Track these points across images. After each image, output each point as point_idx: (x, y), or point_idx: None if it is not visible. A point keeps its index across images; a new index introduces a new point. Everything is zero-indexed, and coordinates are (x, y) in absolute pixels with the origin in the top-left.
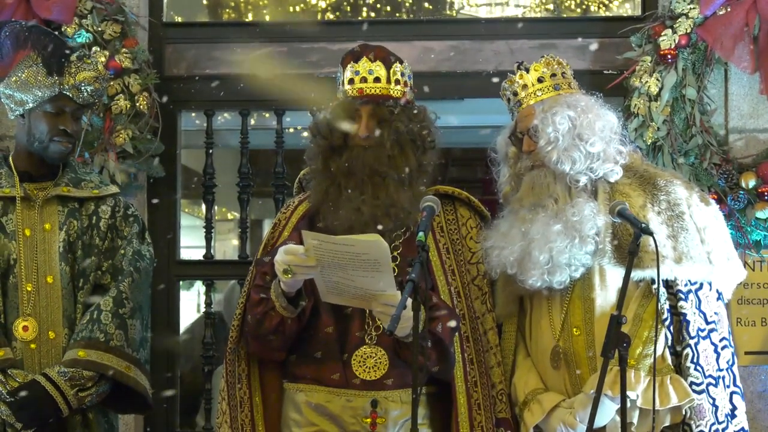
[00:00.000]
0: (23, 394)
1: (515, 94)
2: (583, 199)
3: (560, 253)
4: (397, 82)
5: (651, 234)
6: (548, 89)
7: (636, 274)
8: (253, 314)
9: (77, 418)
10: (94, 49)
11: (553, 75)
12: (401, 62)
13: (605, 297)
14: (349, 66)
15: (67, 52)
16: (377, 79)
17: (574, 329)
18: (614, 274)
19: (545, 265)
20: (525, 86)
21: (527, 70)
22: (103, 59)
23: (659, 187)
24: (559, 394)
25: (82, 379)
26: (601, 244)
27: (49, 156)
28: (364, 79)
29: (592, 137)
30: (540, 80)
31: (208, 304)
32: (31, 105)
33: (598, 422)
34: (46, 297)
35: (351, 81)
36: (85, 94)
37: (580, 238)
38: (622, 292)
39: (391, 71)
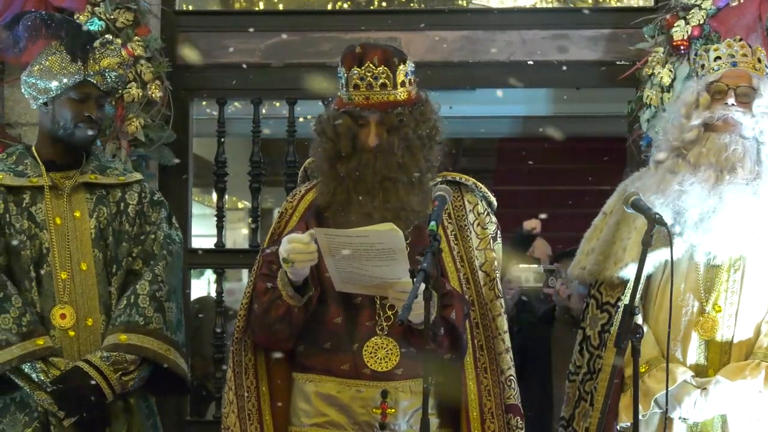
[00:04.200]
0: (66, 381)
1: (731, 56)
2: None
3: (743, 226)
4: (403, 84)
5: (665, 225)
6: (763, 72)
7: None
8: (259, 303)
9: (119, 403)
10: (106, 37)
11: (766, 65)
12: (404, 60)
13: (757, 286)
14: (353, 70)
15: (90, 38)
16: (383, 86)
17: (716, 306)
18: None
19: (724, 232)
20: (745, 55)
21: (750, 47)
22: None
23: None
24: (684, 367)
25: (125, 362)
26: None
27: (75, 142)
28: (370, 86)
29: None
30: (759, 60)
31: (219, 292)
32: (55, 92)
33: (724, 408)
34: (81, 284)
35: (356, 86)
36: (110, 80)
37: (758, 217)
38: (636, 283)
39: (397, 74)
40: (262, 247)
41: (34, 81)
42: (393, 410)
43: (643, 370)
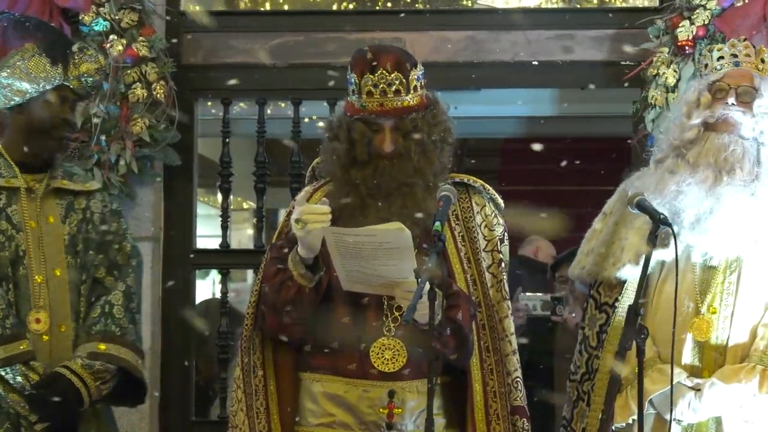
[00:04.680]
0: (48, 387)
1: (734, 55)
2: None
3: (740, 228)
4: (415, 88)
5: (670, 226)
6: (766, 72)
7: None
8: (270, 284)
9: (89, 409)
10: (111, 37)
11: None
12: (415, 65)
13: (753, 288)
14: (365, 77)
15: (68, 43)
16: (397, 92)
17: (711, 308)
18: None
19: (721, 234)
20: (748, 55)
21: (754, 47)
22: (120, 47)
23: None
24: (679, 368)
25: (106, 372)
26: (766, 235)
27: (49, 146)
28: (384, 93)
29: None
30: (762, 61)
31: (224, 293)
32: (32, 94)
33: (719, 411)
34: (55, 290)
35: (370, 93)
36: (86, 85)
37: (756, 219)
38: (641, 283)
39: (410, 80)
40: (270, 244)
41: (9, 82)
42: (400, 410)
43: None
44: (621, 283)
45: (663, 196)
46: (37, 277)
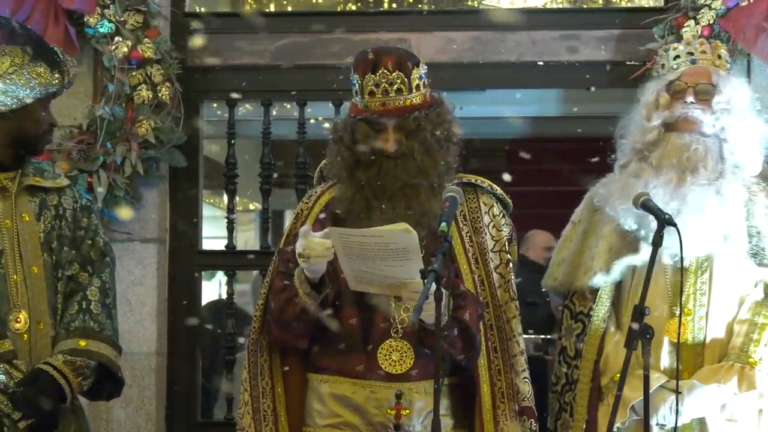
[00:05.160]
0: (32, 384)
1: (690, 53)
2: (733, 178)
3: (708, 227)
4: (418, 87)
5: (675, 225)
6: (723, 67)
7: (758, 274)
8: (276, 301)
9: (68, 405)
10: (116, 39)
11: (727, 61)
12: (417, 64)
13: (726, 286)
14: (367, 77)
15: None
16: (399, 91)
17: (686, 310)
18: (740, 266)
19: (689, 234)
20: (704, 52)
21: (710, 43)
22: (125, 49)
23: None
24: (658, 372)
25: (87, 368)
26: (735, 231)
27: (37, 148)
28: (385, 92)
29: (755, 124)
30: (719, 56)
31: (230, 294)
32: (30, 100)
33: (701, 412)
34: (32, 288)
35: (372, 93)
36: (66, 89)
37: (723, 216)
38: (646, 283)
39: (411, 78)
40: (277, 248)
41: (5, 87)
42: (407, 411)
43: (617, 377)
44: (594, 292)
45: (628, 201)
46: (14, 275)
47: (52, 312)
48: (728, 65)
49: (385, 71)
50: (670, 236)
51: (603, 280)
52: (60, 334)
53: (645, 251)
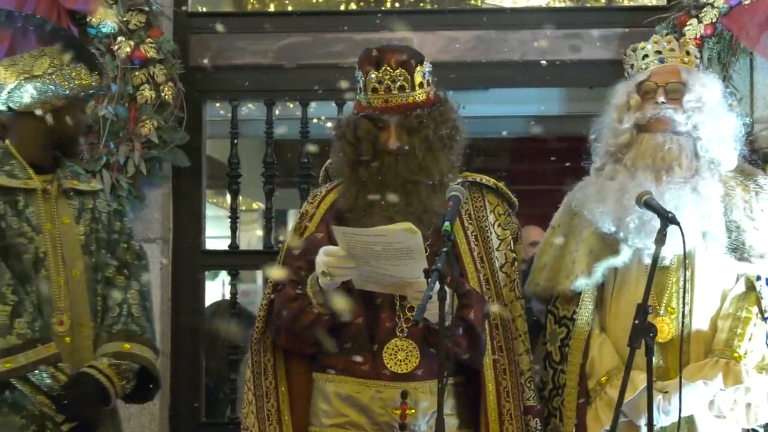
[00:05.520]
0: (77, 387)
1: (659, 52)
2: (709, 175)
3: (687, 225)
4: (421, 85)
5: (677, 224)
6: (692, 64)
7: (739, 269)
8: (289, 310)
9: (107, 409)
10: (119, 39)
11: (696, 56)
12: (421, 62)
13: (707, 282)
14: (370, 73)
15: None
16: (402, 88)
17: (669, 309)
18: (720, 262)
19: (668, 233)
20: (672, 50)
21: (677, 39)
22: (127, 49)
23: (761, 184)
24: (643, 373)
25: (130, 371)
26: (713, 228)
27: (74, 150)
28: (388, 89)
29: (727, 119)
30: (687, 53)
31: (234, 294)
32: (68, 99)
33: (689, 410)
34: (74, 291)
35: (374, 90)
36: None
37: (701, 214)
38: (649, 282)
39: (415, 76)
40: (285, 245)
41: (45, 87)
42: (413, 411)
43: (603, 380)
44: (577, 295)
45: (606, 204)
46: (57, 278)
47: (92, 314)
48: (697, 60)
49: (389, 68)
50: (647, 238)
51: (585, 283)
52: (102, 336)
53: (625, 253)
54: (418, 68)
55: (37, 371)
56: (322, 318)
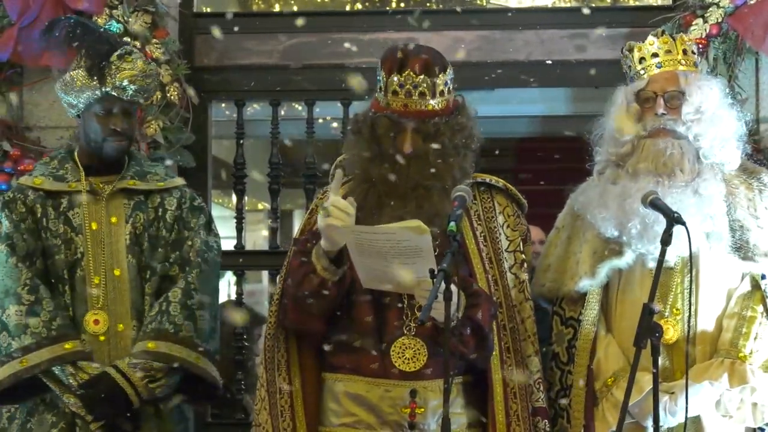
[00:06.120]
0: (94, 386)
1: (654, 55)
2: (711, 175)
3: (689, 227)
4: (442, 93)
5: (683, 224)
6: (691, 63)
7: (744, 267)
8: (294, 277)
9: (150, 409)
10: (124, 39)
11: (694, 53)
12: (445, 69)
13: (712, 283)
14: (392, 76)
15: (110, 50)
16: (422, 95)
17: (674, 309)
18: (725, 262)
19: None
20: (669, 51)
21: (673, 39)
22: None
23: (765, 182)
24: (649, 374)
25: (152, 370)
26: (717, 228)
27: (106, 155)
28: (408, 93)
29: (728, 121)
30: (684, 52)
31: (239, 294)
32: (81, 107)
33: (696, 410)
34: (114, 290)
35: (395, 93)
36: (131, 92)
37: (703, 215)
38: (654, 282)
39: (437, 84)
40: (293, 239)
41: (62, 95)
42: (422, 410)
43: (609, 381)
44: (582, 296)
45: (608, 208)
46: (95, 278)
47: (136, 314)
48: (695, 58)
49: (411, 73)
50: (650, 243)
51: (589, 284)
52: (139, 336)
53: (628, 255)
54: (441, 76)
55: (56, 369)
56: (326, 284)
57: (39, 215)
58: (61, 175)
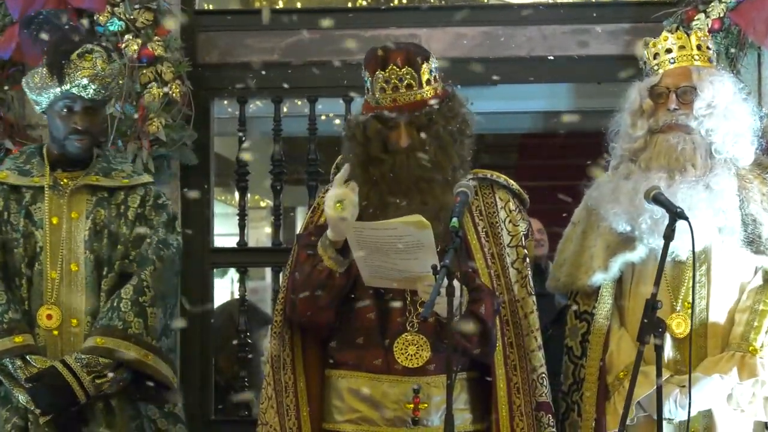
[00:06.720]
0: (40, 380)
1: (668, 51)
2: (723, 170)
3: (701, 222)
4: (428, 82)
5: (686, 219)
6: (705, 59)
7: (757, 261)
8: (301, 270)
9: (99, 405)
10: (126, 37)
11: (708, 48)
12: (428, 58)
13: (724, 277)
14: (377, 73)
15: (71, 48)
16: (409, 86)
17: (686, 303)
18: (737, 256)
19: (682, 231)
20: (683, 47)
21: (687, 34)
22: (135, 47)
23: None
24: (665, 369)
25: (99, 366)
26: (729, 222)
27: (68, 153)
28: (395, 88)
29: (741, 116)
30: (698, 47)
31: (242, 291)
32: (44, 105)
33: (707, 404)
34: (69, 285)
35: (382, 89)
36: (91, 90)
37: (715, 210)
38: (658, 276)
39: (421, 73)
40: (297, 235)
41: (27, 93)
42: (425, 405)
43: (621, 375)
44: (596, 290)
45: (620, 204)
46: (51, 273)
47: (91, 310)
48: (710, 53)
49: (395, 67)
50: (661, 237)
51: (602, 278)
52: (90, 331)
53: (641, 249)
54: (425, 65)
55: (7, 363)
56: (334, 275)
57: (1, 209)
58: (27, 169)
